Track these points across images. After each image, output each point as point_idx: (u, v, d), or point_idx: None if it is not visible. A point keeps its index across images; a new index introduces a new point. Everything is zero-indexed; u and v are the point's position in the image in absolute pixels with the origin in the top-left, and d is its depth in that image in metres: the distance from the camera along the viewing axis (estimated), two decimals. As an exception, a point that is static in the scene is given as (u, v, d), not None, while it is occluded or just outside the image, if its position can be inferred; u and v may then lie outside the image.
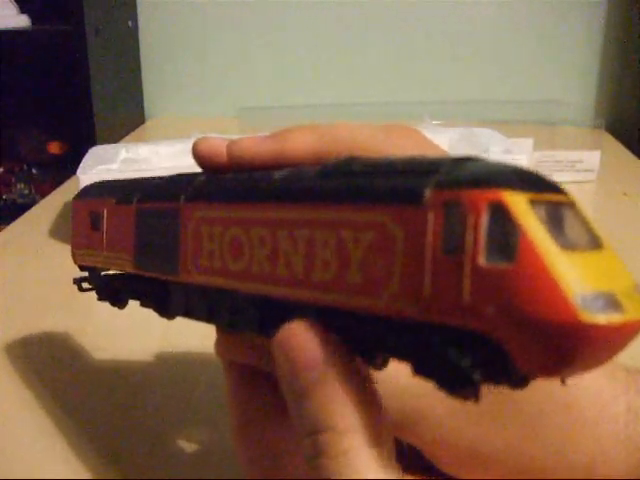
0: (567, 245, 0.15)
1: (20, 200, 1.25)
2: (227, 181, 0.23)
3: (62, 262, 0.58)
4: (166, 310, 0.26)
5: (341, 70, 1.22)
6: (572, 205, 0.17)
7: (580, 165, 0.78)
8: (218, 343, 0.25)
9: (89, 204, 0.30)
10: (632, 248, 0.59)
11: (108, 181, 0.31)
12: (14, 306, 0.49)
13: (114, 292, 0.30)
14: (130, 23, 1.19)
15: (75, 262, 0.31)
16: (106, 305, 0.31)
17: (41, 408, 0.37)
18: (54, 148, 1.24)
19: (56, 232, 0.63)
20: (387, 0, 1.19)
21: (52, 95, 1.21)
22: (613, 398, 0.21)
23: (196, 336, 0.43)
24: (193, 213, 0.23)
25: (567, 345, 0.14)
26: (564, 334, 0.14)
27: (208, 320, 0.23)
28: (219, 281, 0.22)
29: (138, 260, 0.26)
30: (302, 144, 0.22)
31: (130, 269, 0.26)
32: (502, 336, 0.15)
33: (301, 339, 0.18)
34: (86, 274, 0.31)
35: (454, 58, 1.20)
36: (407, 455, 0.24)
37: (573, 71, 1.20)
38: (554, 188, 0.17)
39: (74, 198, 0.31)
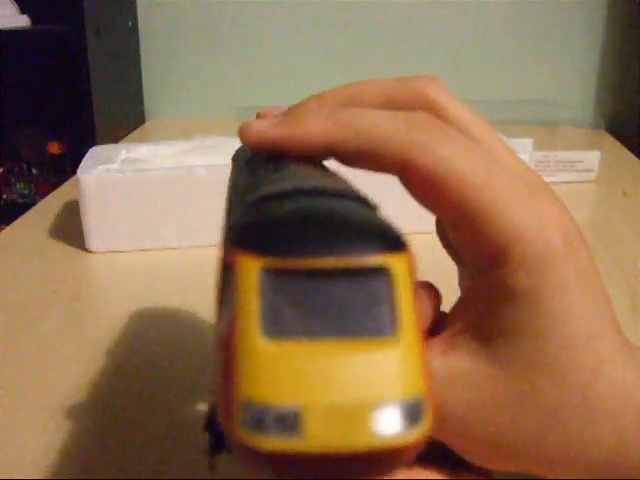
0: (288, 333, 0.11)
1: (20, 200, 1.25)
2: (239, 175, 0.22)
3: (62, 262, 0.58)
4: None
5: (341, 70, 1.22)
6: (359, 273, 0.12)
7: (580, 165, 0.78)
8: None
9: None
10: (632, 248, 0.59)
11: None
12: (14, 306, 0.49)
13: None
14: (130, 23, 1.19)
15: None
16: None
17: (41, 408, 0.37)
18: (54, 148, 1.24)
19: (56, 232, 0.63)
20: (387, 0, 1.19)
21: (52, 95, 1.21)
22: (637, 389, 0.21)
23: (201, 339, 0.43)
24: None
25: (241, 454, 0.12)
26: (230, 441, 0.12)
27: None
28: None
29: None
30: (315, 132, 0.21)
31: None
32: None
33: None
34: None
35: (454, 58, 1.20)
36: (433, 449, 0.24)
37: (573, 71, 1.20)
38: (330, 248, 0.12)
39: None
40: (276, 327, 0.12)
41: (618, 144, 0.99)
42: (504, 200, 0.20)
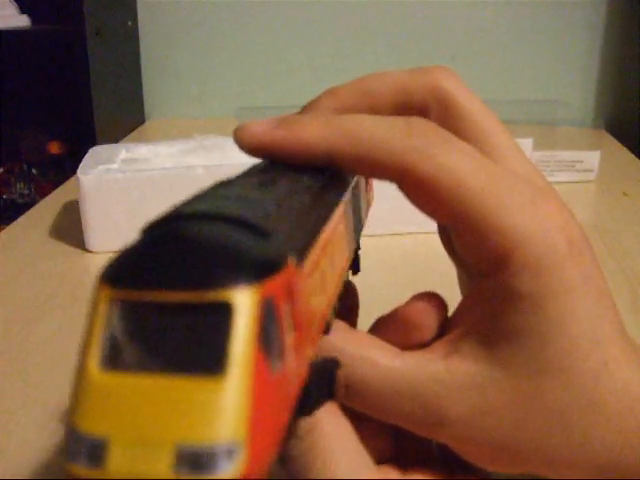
0: (120, 366, 0.12)
1: (20, 200, 1.25)
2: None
3: (62, 262, 0.58)
4: None
5: (340, 70, 1.21)
6: (200, 308, 0.12)
7: (580, 165, 0.78)
8: None
9: None
10: (632, 248, 0.59)
11: None
12: (14, 306, 0.49)
13: None
14: (130, 23, 1.18)
15: None
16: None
17: (41, 408, 0.37)
18: (54, 148, 1.24)
19: (56, 232, 0.63)
20: (387, 0, 1.19)
21: (52, 95, 1.21)
22: None
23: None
24: None
25: None
26: None
27: None
28: None
29: None
30: (311, 138, 0.21)
31: None
32: None
33: None
34: None
35: (454, 58, 1.20)
36: (436, 453, 0.24)
37: (573, 71, 1.20)
38: (171, 281, 0.12)
39: None
40: (111, 359, 0.12)
41: (618, 144, 0.99)
42: (506, 205, 0.20)
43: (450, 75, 0.24)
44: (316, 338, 0.18)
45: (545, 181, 0.23)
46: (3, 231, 0.66)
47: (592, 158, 0.78)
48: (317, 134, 0.21)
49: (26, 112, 1.25)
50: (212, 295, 0.12)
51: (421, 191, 0.20)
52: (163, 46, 1.24)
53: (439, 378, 0.20)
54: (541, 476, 0.22)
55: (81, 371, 0.12)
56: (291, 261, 0.14)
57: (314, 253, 0.17)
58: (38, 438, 0.34)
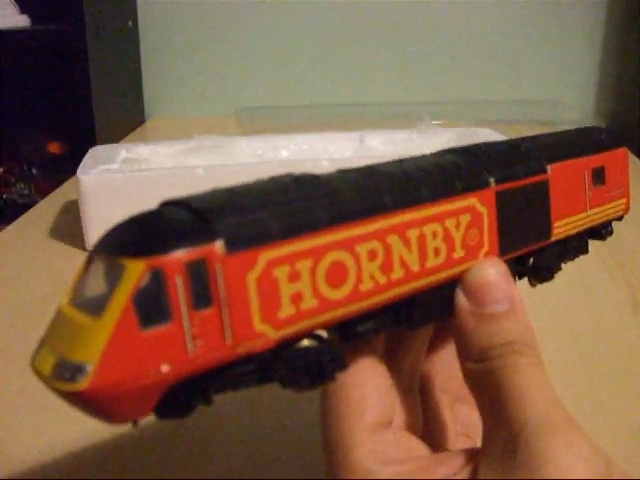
0: (73, 301, 0.17)
1: (20, 200, 1.25)
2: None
3: (62, 262, 0.58)
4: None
5: (341, 70, 1.22)
6: (100, 261, 0.17)
7: (580, 165, 0.78)
8: None
9: None
10: (633, 249, 0.59)
11: None
12: (14, 306, 0.49)
13: None
14: (130, 23, 1.19)
15: None
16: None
17: (41, 408, 0.37)
18: (54, 148, 1.23)
19: (56, 232, 0.63)
20: (387, 0, 1.19)
21: (52, 95, 1.21)
22: None
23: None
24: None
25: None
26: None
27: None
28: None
29: None
30: None
31: None
32: None
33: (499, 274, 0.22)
34: None
35: (454, 58, 1.20)
36: None
37: (573, 71, 1.20)
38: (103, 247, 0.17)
39: None
40: (74, 297, 0.17)
41: (618, 144, 0.99)
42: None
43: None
44: (291, 322, 0.18)
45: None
46: (3, 231, 0.66)
47: (592, 158, 0.78)
48: None
49: (26, 112, 1.25)
50: (117, 260, 0.16)
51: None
52: (163, 46, 1.24)
53: None
54: None
55: (60, 303, 0.17)
56: (216, 246, 0.16)
57: (298, 246, 0.18)
58: (39, 437, 0.34)
